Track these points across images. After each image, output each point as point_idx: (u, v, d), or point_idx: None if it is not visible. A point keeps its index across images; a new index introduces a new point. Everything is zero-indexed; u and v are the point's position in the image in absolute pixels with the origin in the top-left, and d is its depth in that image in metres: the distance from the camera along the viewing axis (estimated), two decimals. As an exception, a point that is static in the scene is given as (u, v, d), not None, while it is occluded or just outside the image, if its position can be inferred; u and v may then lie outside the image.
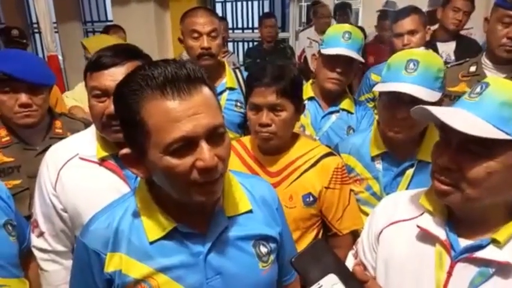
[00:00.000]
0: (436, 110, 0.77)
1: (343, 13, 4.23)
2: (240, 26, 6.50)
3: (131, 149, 0.79)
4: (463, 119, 0.75)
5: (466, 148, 0.75)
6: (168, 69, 0.72)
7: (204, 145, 0.73)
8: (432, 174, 0.83)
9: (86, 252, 0.83)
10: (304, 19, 5.77)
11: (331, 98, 1.82)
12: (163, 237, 0.83)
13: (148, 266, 0.82)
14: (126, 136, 0.80)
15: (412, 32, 2.20)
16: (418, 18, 2.22)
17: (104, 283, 0.84)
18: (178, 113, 0.71)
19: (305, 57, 4.36)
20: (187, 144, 0.72)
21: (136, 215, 0.85)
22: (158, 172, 0.76)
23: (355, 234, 1.41)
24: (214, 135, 0.75)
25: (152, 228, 0.83)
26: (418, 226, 0.86)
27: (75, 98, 2.54)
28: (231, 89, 1.94)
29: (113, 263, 0.82)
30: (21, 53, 1.61)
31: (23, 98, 1.47)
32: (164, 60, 0.76)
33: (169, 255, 0.82)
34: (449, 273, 0.80)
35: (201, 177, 0.74)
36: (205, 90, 0.76)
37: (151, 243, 0.82)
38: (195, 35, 1.82)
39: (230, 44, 5.70)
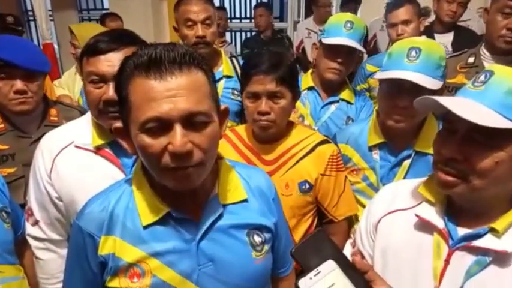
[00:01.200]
0: (443, 100, 0.75)
1: (352, 8, 4.16)
2: (237, 15, 6.47)
3: (122, 123, 0.81)
4: (470, 108, 0.73)
5: (472, 138, 0.74)
6: (158, 49, 0.72)
7: (178, 129, 0.71)
8: (435, 165, 0.82)
9: (81, 234, 0.84)
10: (302, 10, 5.72)
11: (331, 88, 1.81)
12: (157, 222, 0.83)
13: (142, 250, 0.82)
14: (119, 110, 0.82)
15: (406, 22, 2.21)
16: (411, 8, 2.23)
17: (97, 266, 0.84)
18: (156, 93, 0.71)
19: (303, 48, 4.33)
20: (162, 126, 0.72)
21: (131, 199, 0.86)
22: (138, 149, 0.78)
23: (349, 221, 1.42)
24: (194, 122, 0.73)
25: (146, 212, 0.83)
26: (416, 215, 0.86)
27: (62, 86, 2.54)
28: (228, 77, 1.92)
29: (107, 246, 0.83)
30: (16, 39, 1.59)
31: (18, 84, 1.45)
32: (163, 43, 0.76)
33: (162, 240, 0.83)
34: (447, 262, 0.80)
35: (172, 161, 0.73)
36: (196, 74, 0.75)
37: (145, 227, 0.83)
38: (189, 23, 1.80)
39: (228, 34, 5.66)
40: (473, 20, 3.06)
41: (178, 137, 0.71)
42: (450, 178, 0.77)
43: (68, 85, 2.53)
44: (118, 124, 0.82)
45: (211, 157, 0.80)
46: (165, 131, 0.72)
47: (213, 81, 0.81)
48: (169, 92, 0.71)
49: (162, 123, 0.72)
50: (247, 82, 1.29)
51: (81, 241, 0.84)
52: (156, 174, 0.79)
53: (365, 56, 2.79)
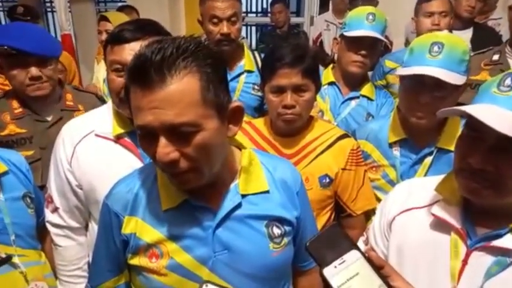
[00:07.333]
0: (472, 111, 0.71)
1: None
2: (254, 10, 6.45)
3: None
4: (502, 118, 0.69)
5: (502, 146, 0.71)
6: (147, 53, 0.70)
7: (161, 139, 0.72)
8: (460, 172, 0.78)
9: (108, 213, 0.90)
10: (317, 5, 5.65)
11: (353, 83, 1.79)
12: (176, 208, 0.86)
13: (160, 232, 0.86)
14: None
15: (443, 14, 2.15)
16: (448, 3, 2.19)
17: (121, 243, 0.89)
18: (141, 103, 0.71)
19: (321, 41, 4.29)
20: (150, 134, 0.73)
21: (154, 183, 0.89)
22: None
23: (367, 215, 1.41)
24: (178, 133, 0.72)
25: (166, 197, 0.87)
26: (432, 214, 0.85)
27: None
28: (249, 71, 1.91)
29: (130, 226, 0.88)
30: (24, 26, 1.61)
31: (33, 71, 1.49)
32: (171, 38, 0.74)
33: (179, 225, 0.86)
34: (465, 262, 0.79)
35: (162, 166, 0.76)
36: (184, 81, 0.70)
37: (164, 211, 0.86)
38: (215, 20, 1.78)
39: (243, 28, 5.63)
40: (504, 18, 2.97)
41: (160, 147, 0.72)
42: (479, 186, 0.75)
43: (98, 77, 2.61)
44: None
45: (207, 162, 0.78)
46: (153, 138, 0.73)
47: (218, 80, 0.76)
48: (152, 104, 0.70)
49: (149, 132, 0.73)
50: (272, 76, 1.27)
51: (108, 219, 0.90)
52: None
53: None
